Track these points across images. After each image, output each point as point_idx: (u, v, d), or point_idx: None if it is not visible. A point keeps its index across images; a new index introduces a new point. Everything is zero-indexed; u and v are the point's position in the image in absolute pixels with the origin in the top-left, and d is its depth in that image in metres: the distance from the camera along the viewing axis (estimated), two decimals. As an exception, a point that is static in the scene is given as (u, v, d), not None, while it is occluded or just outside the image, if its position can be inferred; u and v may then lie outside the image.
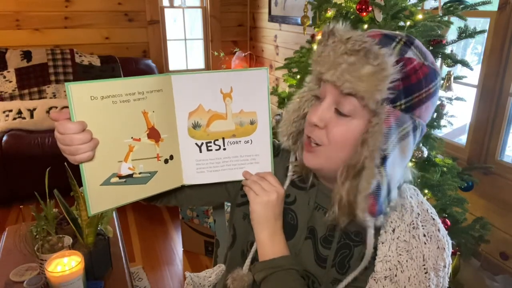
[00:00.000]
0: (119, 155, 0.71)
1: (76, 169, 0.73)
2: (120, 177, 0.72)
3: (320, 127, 0.68)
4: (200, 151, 0.80)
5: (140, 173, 0.75)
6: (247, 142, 0.81)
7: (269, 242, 0.75)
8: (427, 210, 0.71)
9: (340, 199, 0.67)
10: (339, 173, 0.67)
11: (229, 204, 2.23)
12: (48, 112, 2.85)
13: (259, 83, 0.78)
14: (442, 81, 0.70)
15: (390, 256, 0.67)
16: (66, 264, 0.98)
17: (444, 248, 0.67)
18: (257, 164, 0.82)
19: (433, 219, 0.70)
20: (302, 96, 0.77)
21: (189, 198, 0.89)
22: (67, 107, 0.65)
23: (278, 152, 0.86)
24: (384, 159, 0.62)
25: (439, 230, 0.69)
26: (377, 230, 0.68)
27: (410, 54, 0.63)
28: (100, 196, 0.71)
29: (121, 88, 0.69)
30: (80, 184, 0.70)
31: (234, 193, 0.88)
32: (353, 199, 0.65)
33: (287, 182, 0.80)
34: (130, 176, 0.73)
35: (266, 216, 0.75)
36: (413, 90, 0.62)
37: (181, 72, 0.77)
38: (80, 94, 0.65)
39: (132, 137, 0.72)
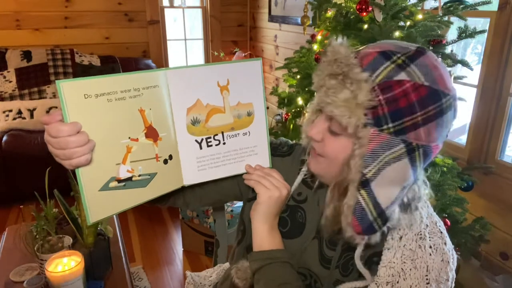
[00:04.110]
0: (117, 157, 0.67)
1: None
2: (119, 180, 0.68)
3: (317, 140, 0.69)
4: (201, 148, 0.78)
5: (139, 175, 0.70)
6: (245, 134, 0.81)
7: (269, 235, 0.77)
8: (436, 223, 0.71)
9: (328, 213, 0.68)
10: (330, 189, 0.69)
11: (229, 204, 2.21)
12: (48, 112, 2.85)
13: (254, 74, 0.78)
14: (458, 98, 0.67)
15: (394, 262, 0.67)
16: (66, 264, 0.98)
17: (448, 262, 0.67)
18: (256, 155, 0.82)
19: (441, 232, 0.70)
20: (312, 108, 0.77)
21: (199, 197, 0.88)
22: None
23: (290, 151, 0.87)
24: (366, 182, 0.62)
25: (445, 243, 0.68)
26: (384, 236, 0.68)
27: (402, 76, 0.59)
28: (99, 202, 0.66)
29: (115, 84, 0.65)
30: None
31: (245, 188, 0.87)
32: (338, 216, 0.66)
33: (299, 179, 0.82)
34: (129, 179, 0.69)
35: (272, 210, 0.77)
36: (403, 113, 0.59)
37: (177, 67, 0.74)
38: (73, 92, 0.60)
39: (129, 137, 0.68)
